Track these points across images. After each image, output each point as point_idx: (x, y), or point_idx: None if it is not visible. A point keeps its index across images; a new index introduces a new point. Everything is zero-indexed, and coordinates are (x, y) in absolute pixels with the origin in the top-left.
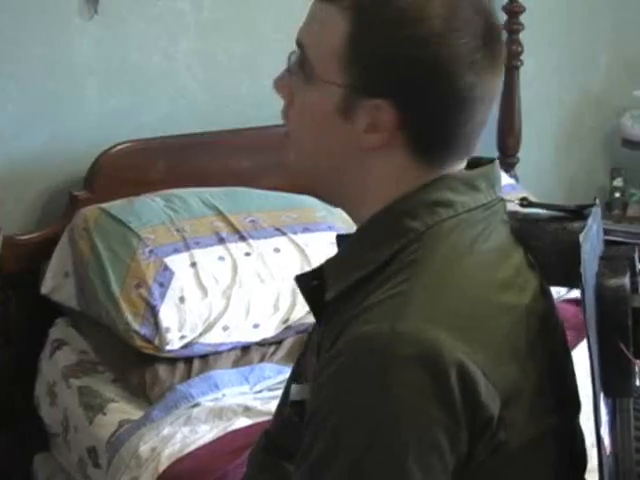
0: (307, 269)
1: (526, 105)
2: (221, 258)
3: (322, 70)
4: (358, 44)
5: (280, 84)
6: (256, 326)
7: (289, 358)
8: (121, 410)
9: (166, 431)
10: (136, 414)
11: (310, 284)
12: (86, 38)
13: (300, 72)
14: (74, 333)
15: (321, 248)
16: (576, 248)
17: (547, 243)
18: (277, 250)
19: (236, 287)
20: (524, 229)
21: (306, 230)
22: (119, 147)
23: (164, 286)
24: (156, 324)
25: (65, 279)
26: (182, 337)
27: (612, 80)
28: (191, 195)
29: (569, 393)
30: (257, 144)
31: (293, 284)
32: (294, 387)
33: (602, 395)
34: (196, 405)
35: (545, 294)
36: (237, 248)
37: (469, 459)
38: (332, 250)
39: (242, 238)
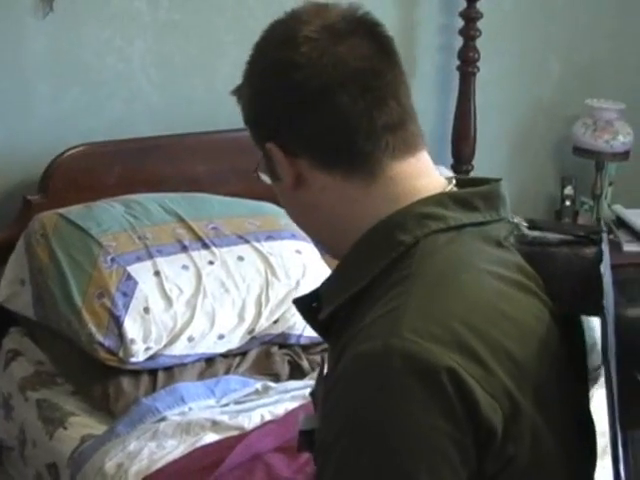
0: (271, 278)
1: (478, 112)
2: (185, 267)
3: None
4: (244, 119)
5: None
6: (221, 337)
7: (254, 369)
8: (83, 424)
9: (132, 446)
10: (99, 428)
11: (308, 307)
12: (39, 37)
13: None
14: (29, 343)
15: (286, 256)
16: (591, 276)
17: (559, 269)
18: (241, 258)
19: (200, 297)
20: (534, 254)
21: (269, 238)
22: (73, 151)
23: (128, 296)
24: (120, 335)
25: (21, 287)
26: (147, 349)
27: (564, 88)
28: (150, 201)
29: (582, 423)
30: (213, 149)
31: (258, 293)
32: (302, 417)
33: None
34: (162, 419)
35: (554, 321)
36: (200, 256)
37: (481, 475)
38: (297, 259)
39: (205, 246)
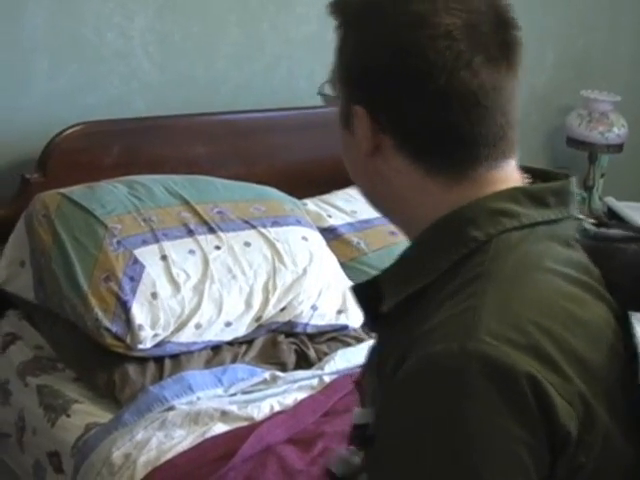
0: (278, 265)
1: None
2: (191, 251)
3: (334, 89)
4: (342, 55)
5: None
6: (228, 324)
7: (260, 358)
8: (87, 412)
9: (140, 436)
10: (104, 417)
11: (365, 294)
12: (38, 11)
13: None
14: (28, 327)
15: (292, 243)
16: None
17: (624, 265)
18: (247, 244)
19: (208, 282)
20: (598, 249)
21: (275, 224)
22: (72, 129)
23: (135, 280)
24: (128, 321)
25: (21, 269)
26: (155, 335)
27: (559, 79)
28: (153, 182)
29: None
30: (213, 131)
31: (265, 280)
32: (357, 410)
33: None
34: (170, 409)
35: (617, 319)
36: (207, 241)
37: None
38: (303, 245)
39: (211, 230)
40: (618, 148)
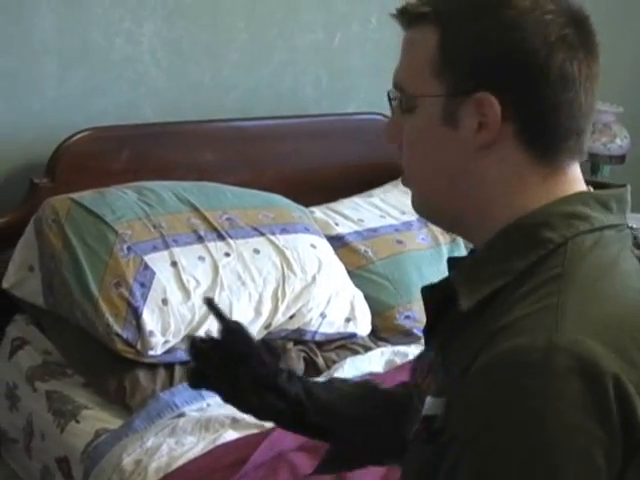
0: (288, 272)
1: None
2: (201, 258)
3: (419, 89)
4: (446, 49)
5: (389, 134)
6: None
7: None
8: (97, 418)
9: (150, 442)
10: (114, 423)
11: (435, 296)
12: (47, 14)
13: (400, 109)
14: (36, 332)
15: (301, 250)
16: None
17: None
18: (257, 251)
19: (218, 289)
20: None
21: (284, 231)
22: (81, 135)
23: (145, 286)
24: (139, 327)
25: (30, 273)
26: (166, 342)
27: None
28: (162, 188)
29: None
30: (220, 138)
31: (274, 287)
32: (429, 400)
33: None
34: (181, 415)
35: None
36: (216, 248)
37: None
38: (312, 253)
39: (221, 237)
40: (620, 159)
